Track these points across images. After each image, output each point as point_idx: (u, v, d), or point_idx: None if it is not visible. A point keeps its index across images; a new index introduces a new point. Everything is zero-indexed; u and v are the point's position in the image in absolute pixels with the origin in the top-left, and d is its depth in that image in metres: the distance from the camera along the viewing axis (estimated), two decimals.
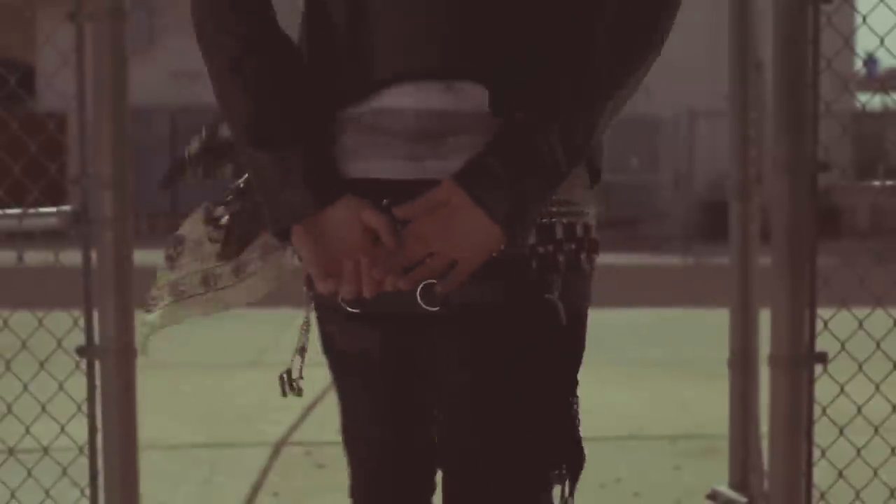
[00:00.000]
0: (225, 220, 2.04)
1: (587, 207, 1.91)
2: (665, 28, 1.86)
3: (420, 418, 2.01)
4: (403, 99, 1.84)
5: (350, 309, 1.88)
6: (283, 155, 1.81)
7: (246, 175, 1.98)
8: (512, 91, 1.80)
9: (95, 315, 3.07)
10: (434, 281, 1.77)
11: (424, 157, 1.82)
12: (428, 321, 1.84)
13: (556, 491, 1.92)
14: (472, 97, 1.82)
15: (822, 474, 3.37)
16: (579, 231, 1.88)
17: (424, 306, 1.80)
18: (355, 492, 2.23)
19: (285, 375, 2.05)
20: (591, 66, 1.78)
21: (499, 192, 1.75)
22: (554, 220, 1.85)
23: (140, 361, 3.06)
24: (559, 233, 1.85)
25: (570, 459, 1.91)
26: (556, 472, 1.90)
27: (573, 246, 1.87)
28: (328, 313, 1.99)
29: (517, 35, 1.83)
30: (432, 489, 2.11)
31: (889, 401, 3.66)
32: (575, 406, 1.92)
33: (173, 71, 20.92)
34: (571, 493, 1.92)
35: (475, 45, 1.82)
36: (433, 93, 1.84)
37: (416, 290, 1.79)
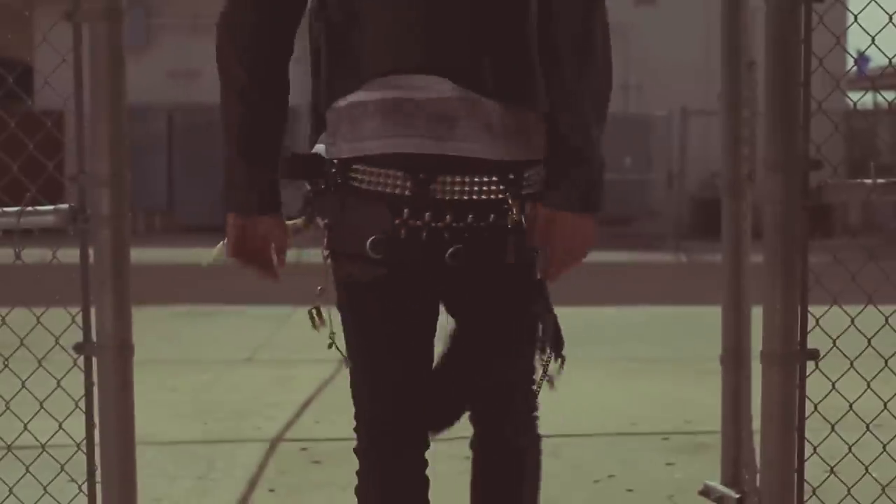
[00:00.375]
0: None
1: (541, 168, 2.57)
2: (602, 27, 2.51)
3: (417, 343, 2.64)
4: (415, 92, 2.45)
5: (373, 255, 2.50)
6: (256, 169, 2.59)
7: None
8: (474, 82, 2.46)
9: (93, 312, 3.08)
10: (460, 245, 2.49)
11: (445, 137, 2.47)
12: (446, 273, 2.52)
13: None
14: (467, 92, 2.46)
15: (813, 470, 3.39)
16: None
17: (451, 263, 2.50)
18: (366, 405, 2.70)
19: (314, 311, 2.65)
20: (564, 80, 2.49)
21: (569, 194, 2.51)
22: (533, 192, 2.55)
23: (136, 358, 3.08)
24: (527, 208, 2.54)
25: (554, 340, 2.66)
26: (541, 345, 2.65)
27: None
28: (349, 258, 2.56)
29: (476, 42, 2.47)
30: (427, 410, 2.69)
31: (880, 397, 3.69)
32: (552, 309, 2.66)
33: (170, 70, 20.90)
34: (558, 360, 2.67)
35: (445, 49, 2.46)
36: (437, 84, 2.45)
37: (442, 250, 2.49)
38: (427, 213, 2.48)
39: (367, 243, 2.49)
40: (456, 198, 2.49)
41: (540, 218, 2.53)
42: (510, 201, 2.51)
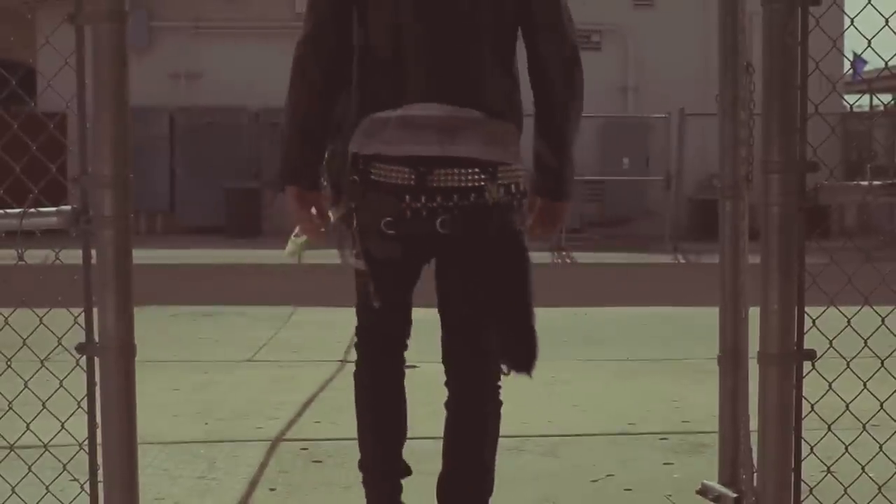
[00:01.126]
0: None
1: (519, 166, 3.46)
2: (580, 79, 3.49)
3: (410, 289, 3.58)
4: (430, 110, 3.36)
5: (387, 231, 3.38)
6: (312, 150, 3.46)
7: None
8: (482, 106, 3.38)
9: (95, 313, 3.10)
10: (447, 216, 3.36)
11: (446, 143, 3.35)
12: (439, 240, 3.39)
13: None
14: (470, 112, 3.38)
15: (810, 470, 3.42)
16: (522, 186, 3.48)
17: (441, 231, 3.36)
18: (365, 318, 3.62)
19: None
20: (554, 115, 3.48)
21: (551, 187, 3.56)
22: (510, 182, 3.44)
23: (138, 358, 3.10)
24: (513, 189, 3.44)
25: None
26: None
27: (520, 196, 3.47)
28: (369, 234, 3.43)
29: (488, 79, 3.41)
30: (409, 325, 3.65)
31: (876, 398, 3.71)
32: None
33: (172, 72, 20.89)
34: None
35: (471, 86, 3.40)
36: (448, 108, 3.36)
37: (435, 222, 3.35)
38: (423, 197, 3.34)
39: (382, 222, 3.36)
40: (446, 184, 3.35)
41: (531, 201, 3.55)
42: (488, 186, 3.37)
